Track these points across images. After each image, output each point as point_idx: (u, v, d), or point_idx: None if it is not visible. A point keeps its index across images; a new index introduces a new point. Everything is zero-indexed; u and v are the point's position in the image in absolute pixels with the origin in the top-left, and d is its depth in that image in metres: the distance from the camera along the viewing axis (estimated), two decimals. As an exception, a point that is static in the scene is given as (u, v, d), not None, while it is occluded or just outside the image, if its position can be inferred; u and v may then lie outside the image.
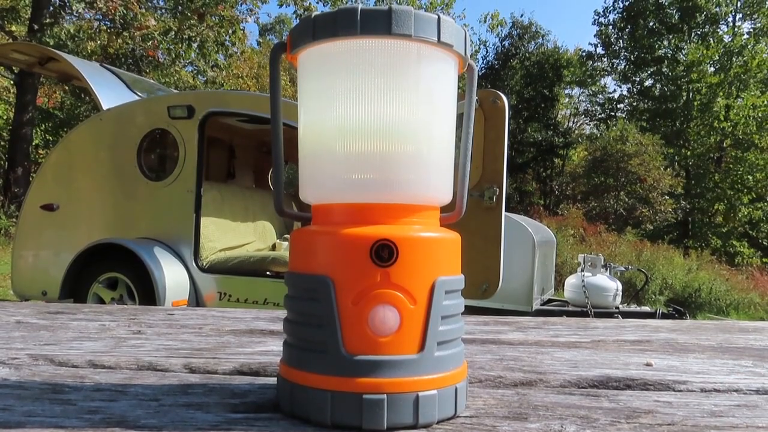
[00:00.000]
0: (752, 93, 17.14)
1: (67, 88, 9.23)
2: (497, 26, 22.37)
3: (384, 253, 0.37)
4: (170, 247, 3.59)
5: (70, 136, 4.18)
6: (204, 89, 10.01)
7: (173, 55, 9.95)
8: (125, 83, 4.52)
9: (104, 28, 9.71)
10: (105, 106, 3.95)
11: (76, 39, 9.30)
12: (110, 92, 4.18)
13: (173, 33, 9.71)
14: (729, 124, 16.90)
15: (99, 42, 9.61)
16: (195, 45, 10.08)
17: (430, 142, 0.40)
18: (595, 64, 21.41)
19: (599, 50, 21.24)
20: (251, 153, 4.89)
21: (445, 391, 0.38)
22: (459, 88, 0.45)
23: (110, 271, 3.58)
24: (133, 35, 9.57)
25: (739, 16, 18.75)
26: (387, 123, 0.39)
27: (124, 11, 9.29)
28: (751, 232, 16.42)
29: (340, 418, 0.36)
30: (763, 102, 16.48)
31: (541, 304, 6.11)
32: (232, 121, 4.10)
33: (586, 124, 22.84)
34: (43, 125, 11.89)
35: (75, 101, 11.01)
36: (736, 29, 18.31)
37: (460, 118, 0.45)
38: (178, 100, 3.80)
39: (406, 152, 0.39)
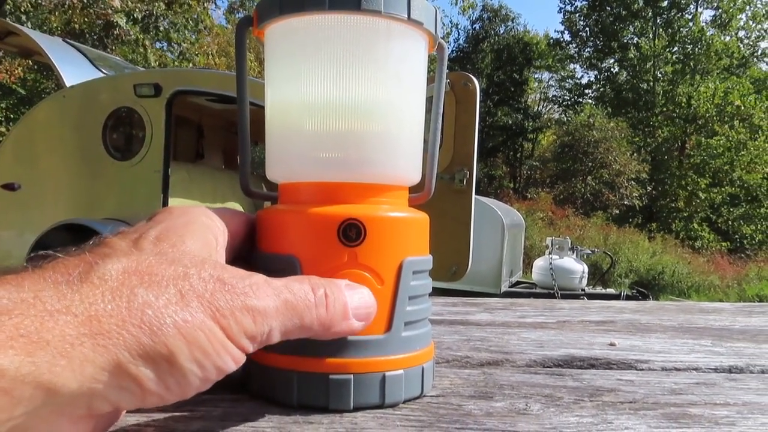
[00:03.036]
0: (713, 81, 17.54)
1: (30, 63, 8.94)
2: (468, 9, 22.35)
3: (351, 232, 0.36)
4: (137, 229, 3.53)
5: (31, 114, 4.06)
6: (172, 67, 9.78)
7: (141, 36, 9.70)
8: (89, 60, 4.40)
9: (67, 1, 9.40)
10: (68, 83, 3.84)
11: (35, 13, 8.98)
12: (74, 69, 4.06)
13: (138, 18, 9.46)
14: (692, 112, 17.28)
15: (61, 17, 9.30)
16: (161, 29, 9.84)
17: (398, 121, 0.39)
18: (563, 51, 21.59)
19: (566, 37, 21.41)
20: (220, 133, 4.82)
21: (411, 371, 0.38)
22: (430, 71, 0.45)
23: (75, 252, 3.50)
24: (94, 21, 9.31)
25: (699, 7, 19.10)
26: (354, 101, 0.38)
27: None
28: (712, 216, 16.87)
29: (306, 399, 0.36)
30: (721, 90, 16.87)
31: (510, 286, 6.21)
32: (200, 101, 4.03)
33: (555, 111, 23.08)
34: (4, 102, 11.51)
35: (38, 77, 10.67)
36: (694, 19, 18.64)
37: (430, 101, 0.45)
38: (144, 78, 3.72)
39: (373, 131, 0.39)
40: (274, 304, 0.30)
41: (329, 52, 0.38)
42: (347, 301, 0.33)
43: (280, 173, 0.41)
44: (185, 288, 0.27)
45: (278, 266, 0.37)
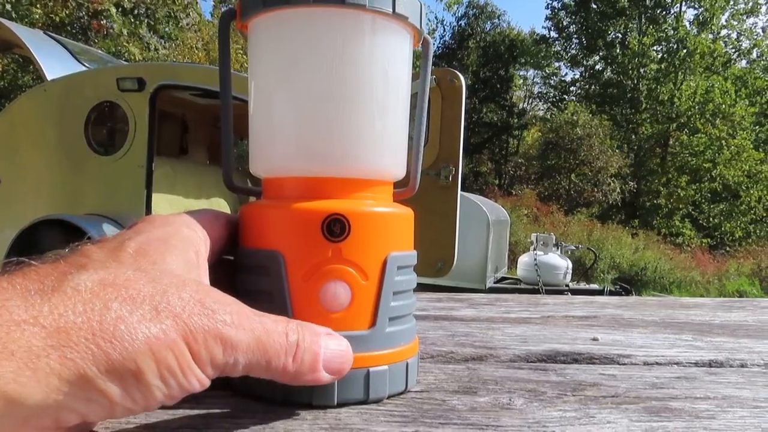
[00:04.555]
0: (696, 80, 17.76)
1: (12, 57, 8.79)
2: (453, 5, 22.36)
3: (336, 228, 0.36)
4: (120, 224, 3.49)
5: (11, 108, 3.99)
6: (155, 61, 9.68)
7: (125, 30, 9.56)
8: (71, 53, 4.33)
9: None
10: (49, 77, 3.78)
11: (17, 5, 8.83)
12: (55, 62, 4.00)
13: (126, 9, 9.32)
14: (674, 110, 17.47)
15: (43, 10, 9.14)
16: (145, 21, 9.71)
17: (382, 115, 0.39)
18: (549, 48, 21.71)
19: (552, 34, 21.53)
20: (205, 128, 4.78)
21: (396, 366, 0.38)
22: (415, 66, 0.44)
23: (56, 249, 3.46)
24: (80, 5, 9.15)
25: (684, 6, 19.30)
26: (338, 95, 0.38)
27: None
28: (693, 213, 17.09)
29: (290, 395, 0.36)
30: (702, 88, 17.09)
31: (495, 282, 6.23)
32: (184, 95, 3.99)
33: (540, 108, 23.21)
34: (-18, 95, 11.30)
35: (18, 70, 10.51)
36: (678, 19, 18.85)
37: (416, 97, 0.45)
38: (127, 72, 3.67)
39: (357, 125, 0.38)
40: (247, 340, 0.30)
41: (313, 46, 0.37)
42: (320, 352, 0.33)
43: (263, 168, 0.41)
44: (161, 305, 0.27)
45: (261, 262, 0.37)
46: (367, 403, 0.37)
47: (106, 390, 0.25)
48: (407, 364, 0.39)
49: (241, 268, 0.39)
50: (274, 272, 0.36)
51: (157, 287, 0.28)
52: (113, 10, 9.07)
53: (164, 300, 0.28)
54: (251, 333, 0.30)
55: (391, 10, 0.37)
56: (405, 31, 0.40)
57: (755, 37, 19.93)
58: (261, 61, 0.40)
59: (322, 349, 0.33)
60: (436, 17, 25.64)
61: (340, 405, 0.37)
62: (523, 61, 22.19)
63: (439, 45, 22.20)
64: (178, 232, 0.35)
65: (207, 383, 0.29)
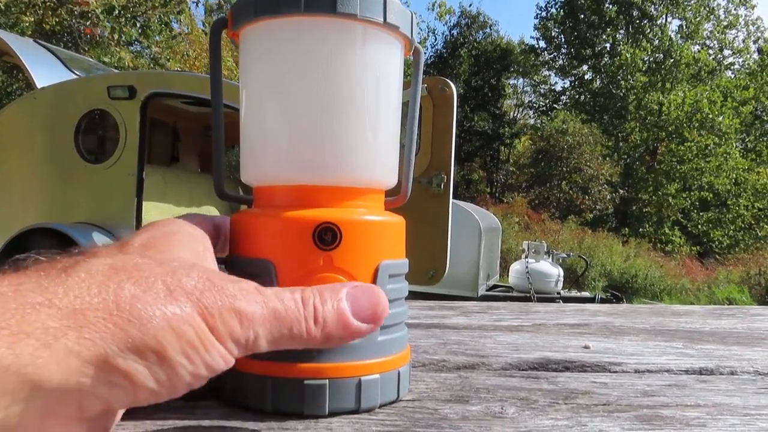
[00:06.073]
0: (683, 89, 17.95)
1: (1, 65, 8.74)
2: (445, 14, 22.50)
3: (327, 236, 0.36)
4: (110, 233, 3.48)
5: (0, 115, 3.97)
6: (147, 69, 9.65)
7: (116, 35, 9.51)
8: (61, 61, 4.32)
9: (39, 1, 9.20)
10: (39, 85, 3.77)
11: (7, 13, 8.79)
12: (45, 70, 3.98)
13: (116, 11, 9.27)
14: (663, 119, 17.63)
15: (33, 18, 9.10)
16: (138, 24, 9.67)
17: (374, 124, 0.39)
18: (538, 58, 21.89)
19: (542, 44, 21.71)
20: (196, 136, 4.77)
21: (387, 375, 0.38)
22: (407, 75, 0.45)
23: (46, 257, 3.43)
24: (71, 11, 9.10)
25: (669, 17, 19.56)
26: (330, 104, 0.38)
27: None
28: (683, 221, 17.20)
29: (281, 405, 0.36)
30: (691, 98, 17.26)
31: (487, 290, 6.24)
32: (175, 103, 3.98)
33: (530, 117, 23.36)
34: (-28, 103, 11.22)
35: (7, 78, 10.45)
36: (663, 29, 19.09)
37: (407, 105, 0.45)
38: (118, 80, 3.66)
39: (349, 134, 0.38)
40: (262, 311, 0.29)
41: (304, 55, 0.38)
42: (344, 306, 0.32)
43: (254, 176, 0.41)
44: (173, 284, 0.27)
45: (253, 270, 0.37)
46: (358, 412, 0.37)
47: (128, 370, 0.24)
48: (399, 373, 0.39)
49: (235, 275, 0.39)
50: (266, 280, 0.36)
51: (166, 269, 0.28)
52: (98, 11, 9.01)
53: (175, 280, 0.27)
54: (265, 305, 0.29)
55: (382, 19, 0.37)
56: (396, 41, 0.40)
57: (737, 45, 20.23)
58: (252, 70, 0.40)
59: (345, 302, 0.32)
60: (428, 26, 25.80)
61: (332, 414, 0.36)
62: (512, 69, 22.34)
63: (431, 54, 22.30)
64: (182, 229, 0.35)
65: (231, 361, 0.28)
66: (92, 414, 0.25)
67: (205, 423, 0.35)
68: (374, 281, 0.38)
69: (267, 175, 0.40)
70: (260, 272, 0.36)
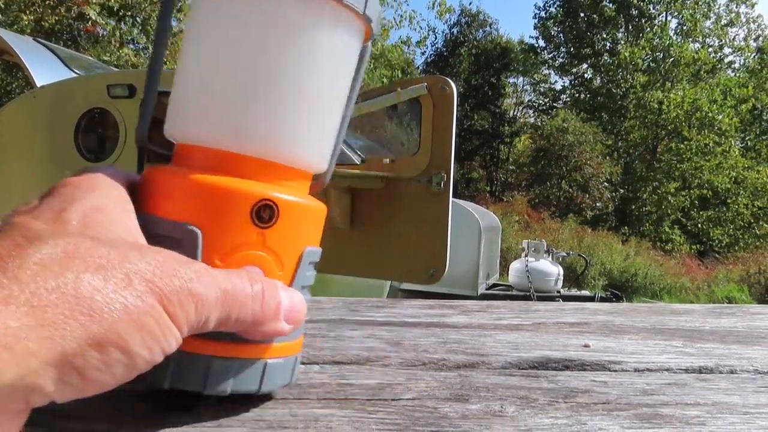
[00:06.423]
0: (682, 87, 17.96)
1: (0, 64, 8.73)
2: (445, 13, 22.48)
3: (265, 213, 0.35)
4: (110, 231, 3.47)
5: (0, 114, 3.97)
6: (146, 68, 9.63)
7: (117, 33, 9.49)
8: (61, 59, 4.32)
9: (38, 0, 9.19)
10: (39, 83, 3.76)
11: (6, 11, 8.79)
12: (44, 68, 3.98)
13: (116, 10, 9.25)
14: (662, 118, 17.63)
15: (32, 16, 9.09)
16: (138, 21, 9.66)
17: (313, 102, 0.37)
18: (538, 57, 21.88)
19: (541, 43, 21.71)
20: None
21: (289, 359, 0.38)
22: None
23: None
24: (69, 9, 9.08)
25: (668, 16, 19.56)
26: (271, 72, 0.36)
27: None
28: (683, 219, 17.21)
29: (183, 382, 0.34)
30: (690, 96, 17.27)
31: (486, 289, 6.24)
32: (175, 102, 3.97)
33: (530, 116, 23.35)
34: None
35: (7, 77, 10.44)
36: (662, 28, 19.09)
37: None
38: (118, 79, 3.66)
39: (287, 107, 0.36)
40: (215, 294, 0.30)
41: (248, 18, 0.36)
42: (281, 300, 0.33)
43: (181, 131, 0.38)
44: (132, 271, 0.27)
45: (174, 234, 0.34)
46: (259, 393, 0.36)
47: (85, 368, 0.24)
48: (296, 359, 0.39)
49: (148, 236, 0.34)
50: (189, 246, 0.33)
51: (120, 253, 0.27)
52: (94, 11, 8.98)
53: (133, 266, 0.27)
54: (217, 287, 0.30)
55: None
56: (353, 24, 0.38)
57: (737, 43, 20.24)
58: (199, 21, 0.38)
59: (285, 300, 0.34)
60: (428, 25, 25.79)
61: (233, 395, 0.35)
62: (512, 68, 22.34)
63: (431, 52, 22.31)
64: (110, 195, 0.33)
65: (180, 341, 0.28)
66: (34, 406, 0.24)
67: (206, 423, 0.35)
68: (297, 266, 0.37)
69: (196, 132, 0.37)
70: (184, 236, 0.34)
